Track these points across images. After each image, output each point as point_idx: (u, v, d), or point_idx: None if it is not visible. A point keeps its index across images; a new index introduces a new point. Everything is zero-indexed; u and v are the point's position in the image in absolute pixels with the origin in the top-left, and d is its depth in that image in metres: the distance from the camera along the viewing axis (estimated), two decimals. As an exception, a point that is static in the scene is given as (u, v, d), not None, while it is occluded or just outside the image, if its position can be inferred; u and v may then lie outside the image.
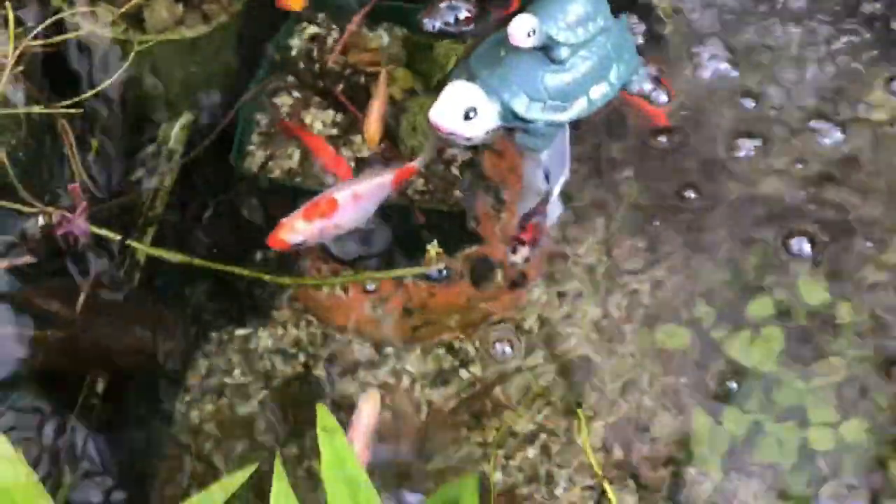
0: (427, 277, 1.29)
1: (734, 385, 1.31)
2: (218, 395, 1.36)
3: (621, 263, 1.42)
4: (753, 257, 1.39)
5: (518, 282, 1.41)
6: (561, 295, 1.40)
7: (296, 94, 1.45)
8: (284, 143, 1.39)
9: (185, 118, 1.38)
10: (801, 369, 1.30)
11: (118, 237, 1.09)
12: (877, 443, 1.25)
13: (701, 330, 1.35)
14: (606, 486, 1.13)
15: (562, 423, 1.32)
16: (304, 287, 1.43)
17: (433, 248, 1.11)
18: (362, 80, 1.44)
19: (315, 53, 1.46)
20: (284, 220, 1.15)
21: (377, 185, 1.21)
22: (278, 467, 0.79)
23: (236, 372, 1.37)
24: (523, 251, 1.18)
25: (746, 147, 1.47)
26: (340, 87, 1.42)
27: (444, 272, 1.23)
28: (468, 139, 1.12)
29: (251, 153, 1.42)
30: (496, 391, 1.34)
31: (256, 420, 1.34)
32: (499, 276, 1.41)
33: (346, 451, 0.81)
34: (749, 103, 1.51)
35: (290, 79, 1.44)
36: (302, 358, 1.38)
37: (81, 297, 0.98)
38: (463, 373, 1.36)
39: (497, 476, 1.28)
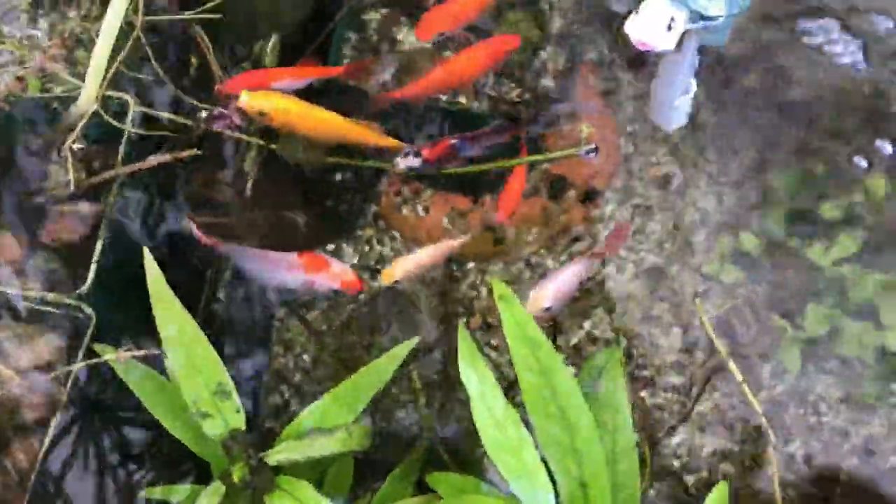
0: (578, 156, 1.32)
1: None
2: (308, 307, 1.39)
3: (691, 175, 1.45)
4: (822, 164, 1.43)
5: (591, 196, 1.45)
6: (634, 208, 1.44)
7: (384, 10, 1.47)
8: (379, 59, 1.42)
9: (277, 36, 1.38)
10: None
11: (258, 140, 1.12)
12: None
13: (773, 236, 1.39)
14: (731, 365, 1.17)
15: (638, 328, 1.37)
16: (388, 205, 1.45)
17: (587, 128, 1.16)
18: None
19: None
20: None
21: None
22: (462, 330, 0.83)
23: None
24: (410, 161, 1.22)
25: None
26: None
27: (594, 153, 1.27)
28: (663, 50, 1.21)
29: (346, 69, 1.45)
30: (578, 302, 1.38)
31: (346, 330, 1.36)
32: (571, 191, 1.44)
33: (524, 316, 0.86)
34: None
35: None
36: (388, 272, 1.43)
37: (249, 184, 1.01)
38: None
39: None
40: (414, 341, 0.90)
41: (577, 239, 1.43)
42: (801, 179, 1.43)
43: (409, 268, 1.12)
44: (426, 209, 1.45)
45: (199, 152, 1.01)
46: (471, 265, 1.43)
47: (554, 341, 1.19)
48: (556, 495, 0.82)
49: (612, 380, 0.92)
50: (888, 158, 1.42)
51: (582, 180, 1.45)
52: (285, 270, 1.16)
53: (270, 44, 1.36)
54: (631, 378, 1.34)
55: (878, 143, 1.43)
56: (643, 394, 1.35)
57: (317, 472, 1.00)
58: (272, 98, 1.14)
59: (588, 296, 1.38)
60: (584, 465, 0.80)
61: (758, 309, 1.37)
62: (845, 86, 1.45)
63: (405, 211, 1.44)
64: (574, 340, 1.37)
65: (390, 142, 1.24)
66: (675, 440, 1.33)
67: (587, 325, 1.37)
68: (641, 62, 1.49)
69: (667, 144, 1.46)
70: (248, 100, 1.11)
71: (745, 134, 1.46)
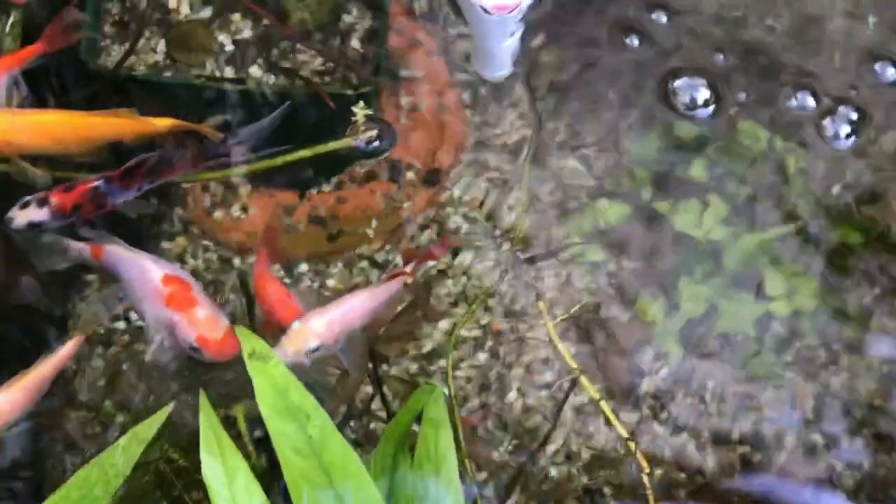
0: (358, 151, 1.09)
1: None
2: (105, 345, 1.20)
3: (546, 141, 1.31)
4: (689, 120, 1.30)
5: (436, 177, 1.28)
6: (489, 182, 1.30)
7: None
8: (148, 34, 1.19)
9: (16, 14, 1.14)
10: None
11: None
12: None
13: (638, 204, 1.27)
14: (583, 380, 1.03)
15: (504, 323, 1.23)
16: (200, 210, 1.25)
17: (360, 110, 0.92)
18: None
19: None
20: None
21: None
22: (204, 402, 0.62)
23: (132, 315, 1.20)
24: (31, 213, 0.91)
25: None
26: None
27: (378, 143, 1.05)
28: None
29: (105, 48, 1.23)
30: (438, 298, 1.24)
31: (154, 369, 1.17)
32: (413, 174, 1.28)
33: (286, 378, 0.64)
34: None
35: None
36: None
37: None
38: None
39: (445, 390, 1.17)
40: (164, 413, 0.66)
41: (425, 227, 1.28)
42: (665, 138, 1.29)
43: None
44: (244, 209, 1.26)
45: None
46: (304, 268, 1.26)
47: (377, 377, 1.00)
48: None
49: (435, 427, 0.72)
50: (751, 107, 1.29)
51: (425, 160, 1.29)
52: (150, 298, 0.91)
53: (9, 23, 1.12)
54: (499, 381, 1.21)
55: (741, 93, 1.30)
56: (511, 397, 1.20)
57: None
58: None
59: (448, 292, 1.24)
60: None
61: (629, 288, 1.24)
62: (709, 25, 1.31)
63: (218, 214, 1.25)
64: (436, 340, 1.22)
65: (161, 123, 1.00)
66: (552, 447, 1.19)
67: (445, 325, 1.22)
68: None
69: (518, 107, 1.32)
70: None
71: (601, 90, 1.32)
